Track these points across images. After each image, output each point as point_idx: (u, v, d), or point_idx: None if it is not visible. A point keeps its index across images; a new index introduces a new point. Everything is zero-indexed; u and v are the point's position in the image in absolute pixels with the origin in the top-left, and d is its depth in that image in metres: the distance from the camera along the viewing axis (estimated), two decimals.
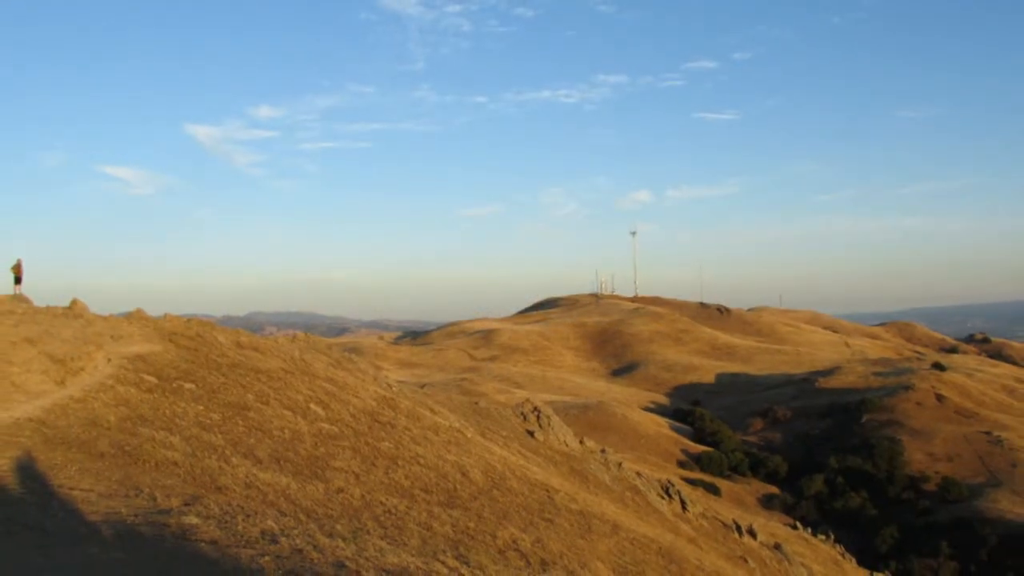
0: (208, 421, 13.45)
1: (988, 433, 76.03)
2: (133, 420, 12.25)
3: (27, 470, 8.99)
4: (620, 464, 31.19)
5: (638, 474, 31.13)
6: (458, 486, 15.48)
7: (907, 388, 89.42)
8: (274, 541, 7.30)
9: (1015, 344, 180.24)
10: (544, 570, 10.02)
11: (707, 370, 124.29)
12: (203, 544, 6.85)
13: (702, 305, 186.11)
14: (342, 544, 7.80)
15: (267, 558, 6.61)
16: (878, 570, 41.50)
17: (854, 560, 39.98)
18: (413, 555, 8.26)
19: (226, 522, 7.79)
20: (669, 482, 32.22)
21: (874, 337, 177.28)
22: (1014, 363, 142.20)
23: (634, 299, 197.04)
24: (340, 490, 12.00)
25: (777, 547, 29.87)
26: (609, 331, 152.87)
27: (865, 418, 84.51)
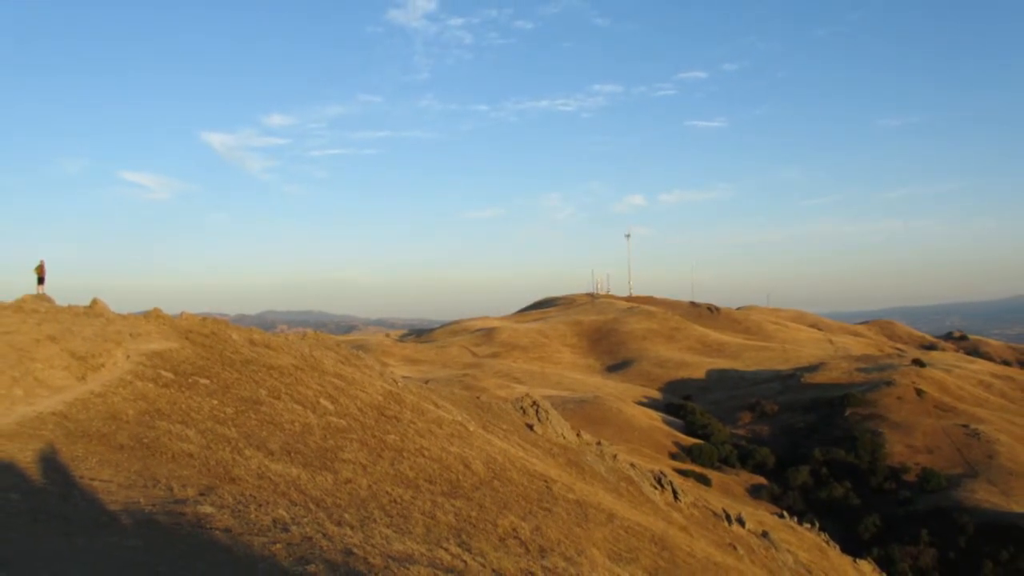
0: (222, 415, 13.44)
1: (965, 426, 75.98)
2: (151, 414, 12.25)
3: (50, 462, 8.99)
4: (615, 456, 31.16)
5: (632, 465, 31.09)
6: (461, 477, 15.47)
7: (888, 383, 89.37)
8: (285, 529, 7.29)
9: (991, 341, 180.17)
10: (543, 557, 10.00)
11: (698, 366, 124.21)
12: (217, 532, 6.85)
13: (693, 304, 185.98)
14: (350, 532, 7.79)
15: (278, 545, 6.60)
16: (861, 557, 41.47)
17: (838, 547, 39.94)
18: (418, 542, 8.26)
19: (239, 511, 7.78)
20: (662, 473, 32.20)
21: (857, 335, 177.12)
22: (990, 359, 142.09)
23: (628, 298, 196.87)
24: (348, 480, 11.99)
25: (765, 535, 29.84)
26: (604, 329, 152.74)
27: (848, 412, 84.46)
